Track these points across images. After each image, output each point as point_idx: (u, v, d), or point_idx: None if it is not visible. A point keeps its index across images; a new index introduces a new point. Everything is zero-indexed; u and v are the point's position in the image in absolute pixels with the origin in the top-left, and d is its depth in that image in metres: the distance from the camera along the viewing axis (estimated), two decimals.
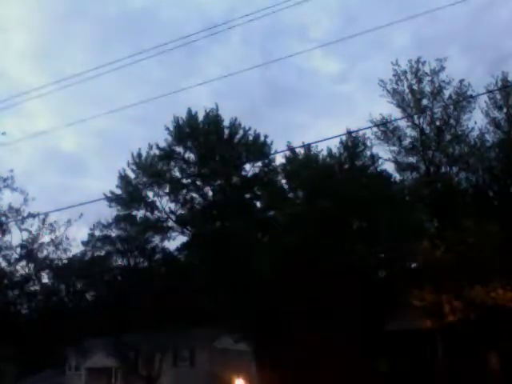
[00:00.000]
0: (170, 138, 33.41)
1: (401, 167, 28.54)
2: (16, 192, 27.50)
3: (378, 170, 31.78)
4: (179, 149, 33.49)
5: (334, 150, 32.24)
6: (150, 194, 33.61)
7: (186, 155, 33.47)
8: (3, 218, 28.15)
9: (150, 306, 29.65)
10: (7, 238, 29.53)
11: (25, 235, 29.91)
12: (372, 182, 29.57)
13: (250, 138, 33.71)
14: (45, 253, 30.62)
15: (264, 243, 31.34)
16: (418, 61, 27.30)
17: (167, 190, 33.47)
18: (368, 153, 31.99)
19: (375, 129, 28.04)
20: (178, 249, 35.34)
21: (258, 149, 33.64)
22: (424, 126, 27.55)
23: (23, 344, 30.13)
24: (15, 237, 36.66)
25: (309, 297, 25.31)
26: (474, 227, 21.91)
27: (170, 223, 34.12)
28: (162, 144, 33.37)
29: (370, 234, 28.52)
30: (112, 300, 32.62)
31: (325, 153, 32.53)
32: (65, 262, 31.55)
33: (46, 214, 28.93)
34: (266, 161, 33.85)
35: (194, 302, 30.07)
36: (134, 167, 33.75)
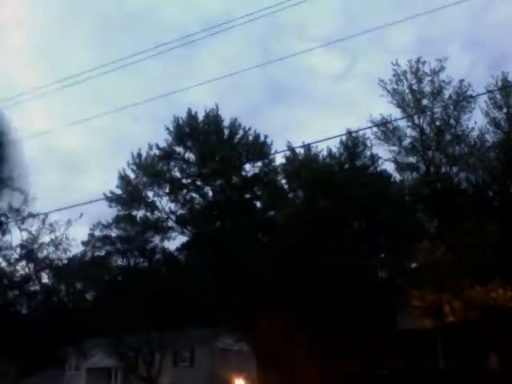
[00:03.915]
0: (170, 138, 33.40)
1: (401, 167, 28.56)
2: (16, 192, 27.50)
3: (378, 170, 31.82)
4: (179, 149, 33.48)
5: (334, 150, 32.31)
6: (150, 194, 33.61)
7: (186, 155, 33.46)
8: (3, 218, 28.22)
9: (150, 306, 29.60)
10: (7, 237, 29.66)
11: (25, 235, 30.04)
12: (372, 181, 29.58)
13: (250, 138, 33.68)
14: (45, 253, 30.75)
15: (264, 243, 31.32)
16: (418, 61, 27.37)
17: (167, 190, 33.44)
18: (368, 153, 32.07)
19: (375, 129, 28.12)
20: (177, 249, 35.31)
21: (258, 149, 33.60)
22: (424, 126, 27.57)
23: (23, 344, 30.09)
24: (15, 237, 36.77)
25: (308, 297, 25.28)
26: (473, 227, 21.88)
27: (170, 223, 34.09)
28: (162, 144, 33.36)
29: (370, 234, 28.53)
30: (112, 300, 32.56)
31: (325, 153, 32.60)
32: (65, 262, 31.63)
33: (46, 214, 29.03)
34: (266, 161, 33.82)
35: (194, 301, 30.02)
36: (133, 167, 33.70)
